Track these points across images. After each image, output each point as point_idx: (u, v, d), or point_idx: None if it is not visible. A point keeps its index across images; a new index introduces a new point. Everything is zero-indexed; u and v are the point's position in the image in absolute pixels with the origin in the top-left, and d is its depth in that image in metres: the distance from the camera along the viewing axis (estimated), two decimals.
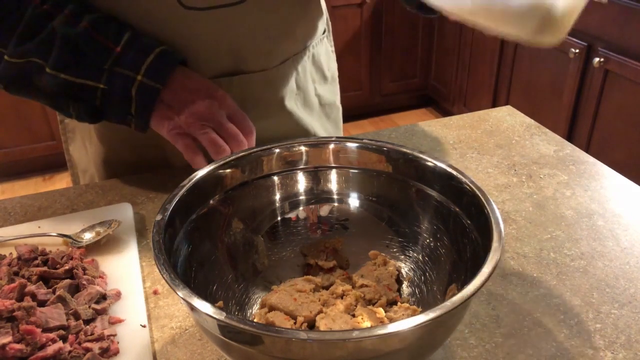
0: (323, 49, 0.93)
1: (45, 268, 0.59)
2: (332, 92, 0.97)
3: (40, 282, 0.57)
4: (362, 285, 0.57)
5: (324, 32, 0.93)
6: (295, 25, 0.84)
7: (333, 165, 0.61)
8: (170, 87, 0.68)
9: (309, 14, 0.86)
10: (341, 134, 1.02)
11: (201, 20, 0.73)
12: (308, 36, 0.88)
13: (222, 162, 0.57)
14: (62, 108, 0.72)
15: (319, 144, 0.61)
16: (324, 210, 0.63)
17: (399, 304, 0.55)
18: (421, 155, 0.57)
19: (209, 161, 0.60)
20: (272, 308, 0.53)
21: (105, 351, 0.51)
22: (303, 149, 0.61)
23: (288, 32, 0.83)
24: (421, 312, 0.40)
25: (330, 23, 0.98)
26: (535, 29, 0.46)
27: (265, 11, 0.78)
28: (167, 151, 0.83)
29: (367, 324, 0.51)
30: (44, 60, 0.68)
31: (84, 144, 0.89)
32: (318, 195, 0.62)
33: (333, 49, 0.99)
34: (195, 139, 0.69)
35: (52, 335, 0.51)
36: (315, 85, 0.92)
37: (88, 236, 0.67)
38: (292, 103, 0.87)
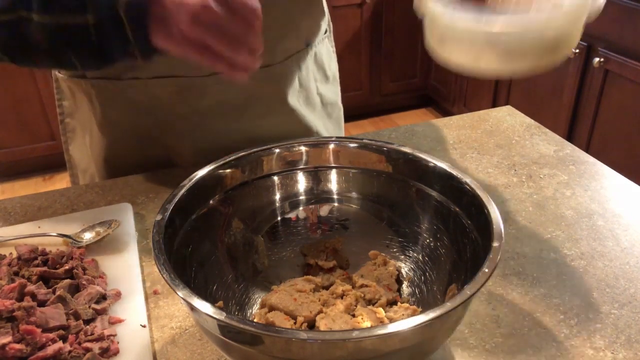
0: (325, 48, 0.94)
1: (45, 268, 0.59)
2: (334, 92, 0.98)
3: (40, 282, 0.57)
4: (362, 285, 0.57)
5: (325, 32, 0.94)
6: (298, 22, 0.84)
7: (333, 165, 0.61)
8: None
9: (312, 12, 0.87)
10: (343, 134, 1.02)
11: None
12: (311, 34, 0.88)
13: (222, 162, 0.57)
14: (65, 61, 0.67)
15: (319, 144, 0.61)
16: (324, 210, 0.63)
17: (399, 304, 0.55)
18: (421, 155, 0.57)
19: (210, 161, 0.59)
20: (272, 308, 0.53)
21: (105, 351, 0.51)
22: (303, 149, 0.61)
23: (291, 28, 0.83)
24: (421, 312, 0.40)
25: (331, 24, 0.98)
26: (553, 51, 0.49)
27: (268, 6, 0.78)
28: (170, 149, 0.83)
29: (367, 324, 0.51)
30: (29, 9, 0.64)
31: (84, 143, 0.89)
32: (318, 195, 0.62)
33: (334, 49, 1.00)
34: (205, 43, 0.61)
35: (52, 335, 0.51)
36: (317, 84, 0.92)
37: (88, 236, 0.67)
38: (294, 100, 0.87)
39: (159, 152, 0.84)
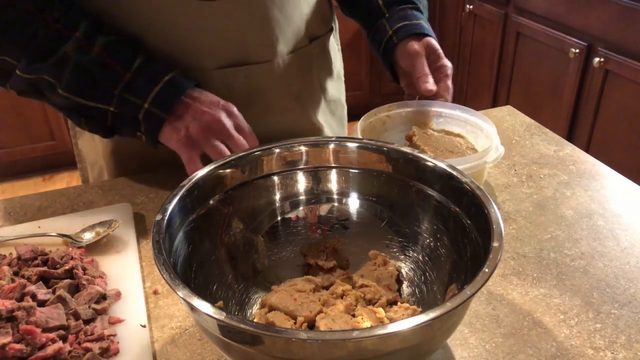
0: (330, 45, 0.94)
1: (45, 268, 0.59)
2: (338, 90, 0.98)
3: (40, 282, 0.57)
4: (362, 285, 0.57)
5: (331, 30, 0.94)
6: (300, 18, 0.84)
7: (333, 165, 0.61)
8: (176, 113, 0.70)
9: (316, 8, 0.87)
10: (346, 132, 1.02)
11: (209, 11, 0.74)
12: (314, 31, 0.88)
13: (222, 162, 0.57)
14: (74, 121, 0.75)
15: (319, 144, 0.61)
16: (324, 210, 0.63)
17: (399, 304, 0.55)
18: (421, 155, 0.57)
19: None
20: (272, 308, 0.53)
21: (105, 351, 0.51)
22: (303, 149, 0.61)
23: (293, 24, 0.83)
24: (421, 312, 0.40)
25: (337, 22, 0.99)
26: None
27: (271, 2, 0.78)
28: None
29: (367, 324, 0.51)
30: (56, 80, 0.69)
31: (92, 137, 0.90)
32: (318, 195, 0.62)
33: (339, 47, 1.00)
34: (201, 151, 0.70)
35: (52, 335, 0.51)
36: (320, 81, 0.93)
37: (88, 236, 0.67)
38: (298, 96, 0.87)
39: (166, 147, 0.85)
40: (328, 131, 0.94)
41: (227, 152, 0.68)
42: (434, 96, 0.81)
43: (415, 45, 0.82)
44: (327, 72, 0.94)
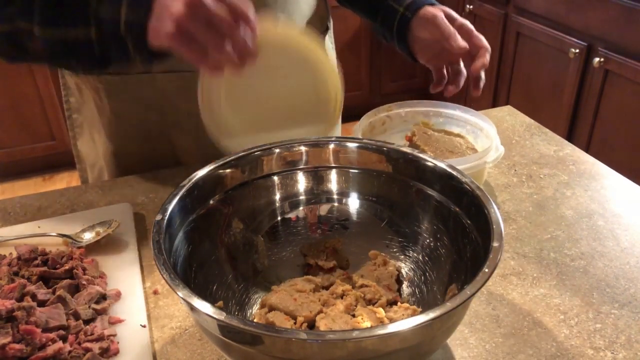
0: (325, 45, 0.94)
1: (45, 268, 0.59)
2: None
3: (40, 282, 0.57)
4: (362, 285, 0.57)
5: (327, 29, 0.94)
6: (301, 19, 0.84)
7: (333, 165, 0.61)
8: (154, 12, 0.60)
9: (314, 9, 0.87)
10: (340, 128, 1.02)
11: None
12: (314, 30, 0.88)
13: (222, 162, 0.57)
14: (65, 67, 0.70)
15: (319, 144, 0.61)
16: (324, 210, 0.63)
17: (399, 304, 0.55)
18: (421, 155, 0.57)
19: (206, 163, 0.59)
20: (272, 308, 0.53)
21: (105, 351, 0.51)
22: (303, 149, 0.61)
23: (297, 22, 0.83)
24: (421, 312, 0.40)
25: (332, 20, 0.99)
26: None
27: (274, 2, 0.78)
28: (176, 146, 0.84)
29: (367, 324, 0.51)
30: (29, 21, 0.65)
31: (92, 138, 0.89)
32: (318, 195, 0.62)
33: (334, 45, 1.00)
34: (200, 45, 0.60)
35: (52, 335, 0.51)
36: None
37: (88, 236, 0.67)
38: None
39: (166, 148, 0.85)
40: None
41: (226, 47, 0.58)
42: (469, 59, 0.78)
43: (432, 10, 0.79)
44: None
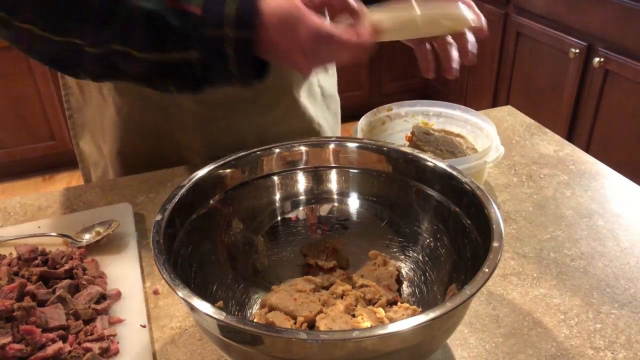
0: None
1: (45, 268, 0.59)
2: (332, 84, 0.99)
3: (40, 282, 0.57)
4: (362, 285, 0.57)
5: None
6: None
7: (333, 165, 0.61)
8: (263, 26, 0.61)
9: None
10: (339, 126, 1.03)
11: None
12: None
13: (222, 162, 0.57)
14: (160, 87, 0.68)
15: (319, 144, 0.61)
16: (324, 210, 0.63)
17: (399, 304, 0.55)
18: (421, 155, 0.57)
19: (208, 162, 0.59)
20: (272, 308, 0.53)
21: (105, 351, 0.51)
22: (303, 149, 0.61)
23: None
24: (421, 312, 0.40)
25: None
26: None
27: None
28: (180, 144, 0.84)
29: (367, 324, 0.51)
30: (129, 45, 0.63)
31: (94, 137, 0.89)
32: (318, 195, 0.62)
33: None
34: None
35: (52, 335, 0.51)
36: (318, 77, 0.93)
37: (88, 236, 0.67)
38: (298, 92, 0.88)
39: (171, 147, 0.85)
40: (324, 125, 0.94)
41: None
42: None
43: None
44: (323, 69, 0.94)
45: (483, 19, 0.69)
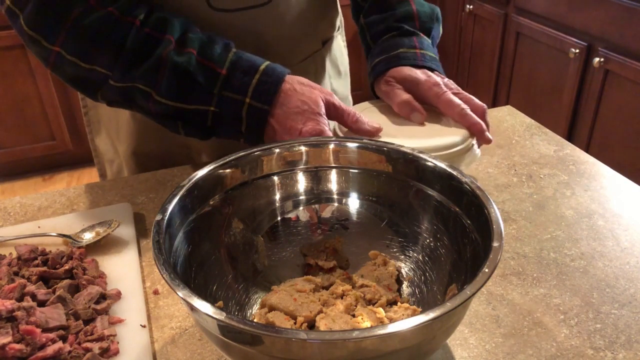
0: (337, 44, 0.95)
1: (45, 268, 0.59)
2: (345, 87, 0.99)
3: (40, 282, 0.57)
4: (362, 285, 0.57)
5: (338, 29, 0.95)
6: (316, 24, 0.85)
7: (333, 165, 0.61)
8: (276, 106, 0.68)
9: (329, 13, 0.88)
10: None
11: (228, 21, 0.74)
12: (326, 34, 0.89)
13: (222, 162, 0.57)
14: (170, 127, 0.73)
15: (319, 144, 0.61)
16: (324, 210, 0.63)
17: (399, 304, 0.55)
18: (421, 155, 0.57)
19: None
20: (272, 308, 0.53)
21: (105, 351, 0.51)
22: (303, 149, 0.61)
23: (310, 30, 0.84)
24: (421, 312, 0.40)
25: (343, 19, 0.99)
26: None
27: (289, 11, 0.78)
28: (192, 149, 0.87)
29: (367, 324, 0.51)
30: (152, 87, 0.67)
31: (109, 135, 0.90)
32: (318, 195, 0.62)
33: (345, 44, 1.00)
34: None
35: (52, 335, 0.51)
36: (331, 81, 0.94)
37: (88, 236, 0.67)
38: None
39: (181, 149, 0.87)
40: (337, 130, 0.94)
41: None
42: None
43: (382, 86, 0.78)
44: (336, 71, 0.96)
45: (488, 135, 0.73)
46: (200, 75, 0.67)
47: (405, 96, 0.74)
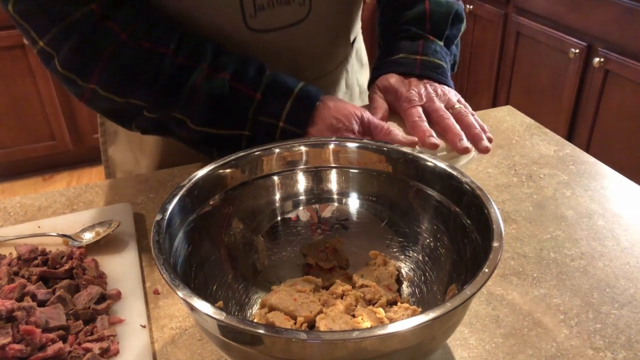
0: (359, 38, 0.95)
1: (45, 268, 0.59)
2: (366, 77, 0.99)
3: (40, 282, 0.57)
4: (362, 285, 0.57)
5: (359, 24, 0.95)
6: (349, 28, 0.85)
7: (333, 165, 0.61)
8: (311, 126, 0.68)
9: (357, 11, 0.88)
10: None
11: (265, 40, 0.74)
12: (355, 33, 0.89)
13: (222, 162, 0.57)
14: (205, 152, 0.73)
15: (319, 144, 0.61)
16: (324, 210, 0.63)
17: (399, 304, 0.55)
18: (421, 155, 0.57)
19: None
20: (272, 308, 0.53)
21: (105, 351, 0.51)
22: (303, 149, 0.61)
23: (343, 34, 0.84)
24: (421, 312, 0.40)
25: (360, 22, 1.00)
26: None
27: (324, 23, 0.78)
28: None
29: (367, 324, 0.51)
30: (187, 116, 0.68)
31: (131, 151, 0.90)
32: (318, 195, 0.62)
33: (360, 31, 1.01)
34: None
35: (52, 335, 0.51)
36: (357, 76, 0.94)
37: (88, 236, 0.67)
38: (335, 93, 0.89)
39: (207, 161, 0.86)
40: None
41: None
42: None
43: (370, 91, 0.78)
44: (360, 65, 0.96)
45: (486, 143, 0.70)
46: (234, 100, 0.67)
47: (380, 106, 0.73)
